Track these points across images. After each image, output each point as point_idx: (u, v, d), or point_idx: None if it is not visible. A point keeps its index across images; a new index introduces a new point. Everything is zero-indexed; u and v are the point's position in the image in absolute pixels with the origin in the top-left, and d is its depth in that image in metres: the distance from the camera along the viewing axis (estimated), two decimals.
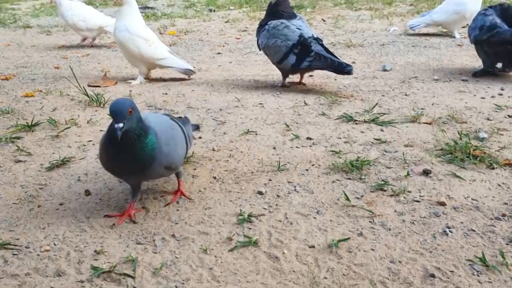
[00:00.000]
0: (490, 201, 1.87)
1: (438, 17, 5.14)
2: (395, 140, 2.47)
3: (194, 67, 3.95)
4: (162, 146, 1.73)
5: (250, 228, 1.74)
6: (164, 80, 3.84)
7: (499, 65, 3.61)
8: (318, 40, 3.36)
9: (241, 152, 2.39)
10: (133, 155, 1.67)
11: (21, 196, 2.02)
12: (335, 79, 3.67)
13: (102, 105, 3.16)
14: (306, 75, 3.63)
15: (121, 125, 1.57)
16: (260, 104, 3.12)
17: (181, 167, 1.96)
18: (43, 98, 3.40)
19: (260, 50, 3.67)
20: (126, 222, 1.80)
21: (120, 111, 1.59)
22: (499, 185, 1.99)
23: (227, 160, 2.30)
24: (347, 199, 1.90)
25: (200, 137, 2.58)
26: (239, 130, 2.67)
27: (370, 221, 1.76)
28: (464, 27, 5.22)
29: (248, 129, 2.66)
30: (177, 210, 1.88)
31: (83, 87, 3.55)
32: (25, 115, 3.03)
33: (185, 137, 1.94)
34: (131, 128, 1.63)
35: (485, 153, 2.24)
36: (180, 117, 2.20)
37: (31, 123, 2.79)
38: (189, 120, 2.23)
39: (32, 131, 2.75)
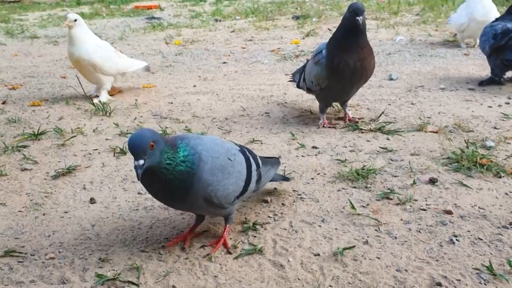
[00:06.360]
0: (497, 210, 1.86)
1: (455, 20, 4.89)
2: (401, 149, 2.46)
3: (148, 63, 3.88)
4: (202, 173, 1.51)
5: (255, 236, 1.73)
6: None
7: (510, 73, 3.58)
8: None
9: None
10: (167, 187, 1.49)
11: (27, 204, 2.03)
12: None
13: (108, 114, 3.18)
14: None
15: (141, 162, 1.37)
16: (265, 113, 3.12)
17: (232, 210, 1.70)
18: (50, 107, 3.42)
19: None
20: (130, 229, 1.80)
21: (139, 146, 1.38)
22: (506, 194, 1.98)
23: None
24: (353, 207, 1.89)
25: None
26: (245, 139, 2.67)
27: (375, 230, 1.75)
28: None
29: (253, 138, 2.66)
30: (183, 218, 1.88)
31: (89, 96, 3.58)
32: (31, 124, 3.04)
33: (248, 174, 1.68)
34: (156, 163, 1.43)
35: (492, 161, 2.23)
36: (271, 158, 1.99)
37: (38, 132, 2.81)
38: (279, 163, 2.02)
39: (39, 140, 2.76)
